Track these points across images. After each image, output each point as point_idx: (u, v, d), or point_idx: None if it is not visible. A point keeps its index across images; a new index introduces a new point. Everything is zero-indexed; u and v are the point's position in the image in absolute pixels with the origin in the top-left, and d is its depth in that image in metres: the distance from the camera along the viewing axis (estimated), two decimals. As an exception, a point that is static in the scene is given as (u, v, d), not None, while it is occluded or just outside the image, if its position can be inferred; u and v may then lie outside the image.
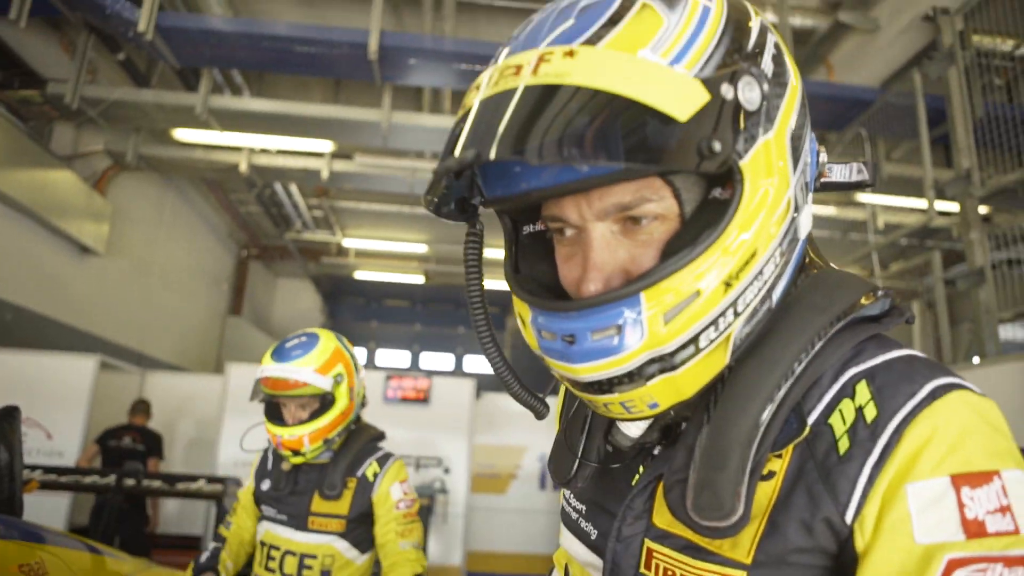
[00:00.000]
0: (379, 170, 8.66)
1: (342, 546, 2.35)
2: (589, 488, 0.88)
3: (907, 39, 6.78)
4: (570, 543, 0.91)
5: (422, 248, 12.98)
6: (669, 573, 0.73)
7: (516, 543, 6.78)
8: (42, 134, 7.39)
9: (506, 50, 0.68)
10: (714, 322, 0.65)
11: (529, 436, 7.19)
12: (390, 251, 13.63)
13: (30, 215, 7.03)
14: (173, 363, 10.32)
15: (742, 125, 0.63)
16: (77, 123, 7.70)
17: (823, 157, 0.78)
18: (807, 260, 0.80)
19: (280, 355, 2.33)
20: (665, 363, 0.66)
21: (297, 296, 16.37)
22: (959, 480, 0.60)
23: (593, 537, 0.85)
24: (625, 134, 0.57)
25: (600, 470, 0.85)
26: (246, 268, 13.69)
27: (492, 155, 0.58)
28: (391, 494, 2.39)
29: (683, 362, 0.66)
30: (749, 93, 0.63)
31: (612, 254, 0.69)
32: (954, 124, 5.88)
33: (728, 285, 0.65)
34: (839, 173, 0.80)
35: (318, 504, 2.37)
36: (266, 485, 2.46)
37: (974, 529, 0.59)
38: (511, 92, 0.61)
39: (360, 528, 2.38)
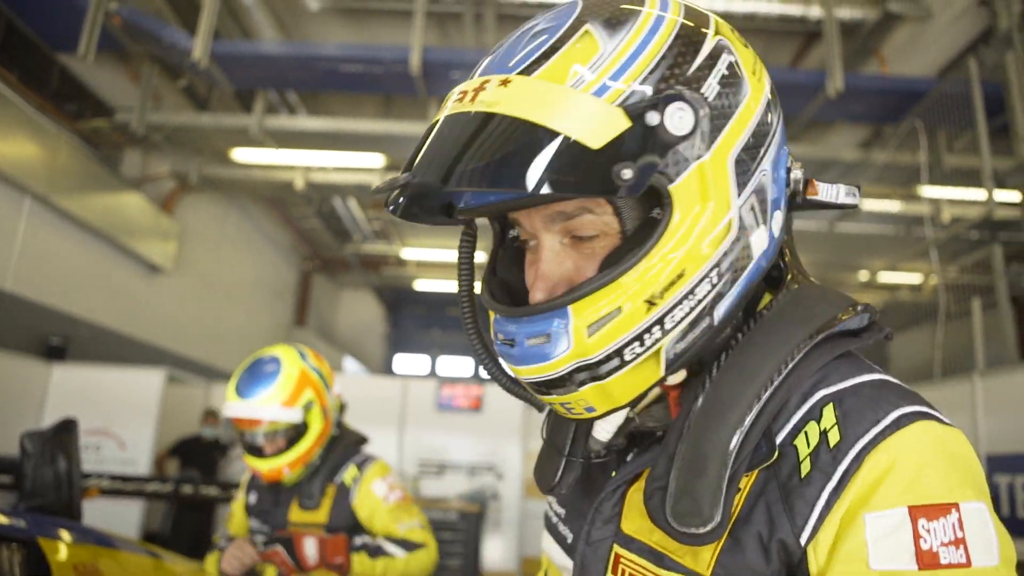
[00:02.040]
0: (431, 182, 8.78)
1: None
2: (570, 494, 0.90)
3: (961, 25, 6.53)
4: (550, 547, 0.93)
5: (480, 256, 13.06)
6: None
7: (572, 548, 6.77)
8: (112, 160, 7.81)
9: (472, 73, 0.73)
10: (639, 337, 0.67)
11: (582, 442, 7.19)
12: (449, 261, 13.78)
13: (103, 237, 7.45)
14: (240, 374, 10.70)
15: (668, 151, 0.64)
16: (144, 148, 8.11)
17: (796, 174, 0.78)
18: (789, 275, 0.80)
19: (243, 389, 2.29)
20: (592, 372, 0.69)
21: (360, 306, 16.72)
22: (916, 512, 0.61)
23: (568, 541, 0.87)
24: (542, 162, 0.60)
25: (582, 477, 0.88)
26: (310, 280, 14.08)
27: (419, 179, 0.63)
28: (374, 491, 2.34)
29: (609, 373, 0.69)
30: (678, 120, 0.64)
31: (559, 265, 0.73)
32: (1013, 111, 5.63)
33: (651, 304, 0.67)
34: (826, 192, 0.79)
35: (296, 514, 2.34)
36: (253, 498, 2.48)
37: (927, 560, 0.59)
38: (451, 117, 0.66)
39: None
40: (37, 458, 2.70)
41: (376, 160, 8.46)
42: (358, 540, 2.24)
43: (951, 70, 6.77)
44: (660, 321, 0.68)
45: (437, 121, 0.69)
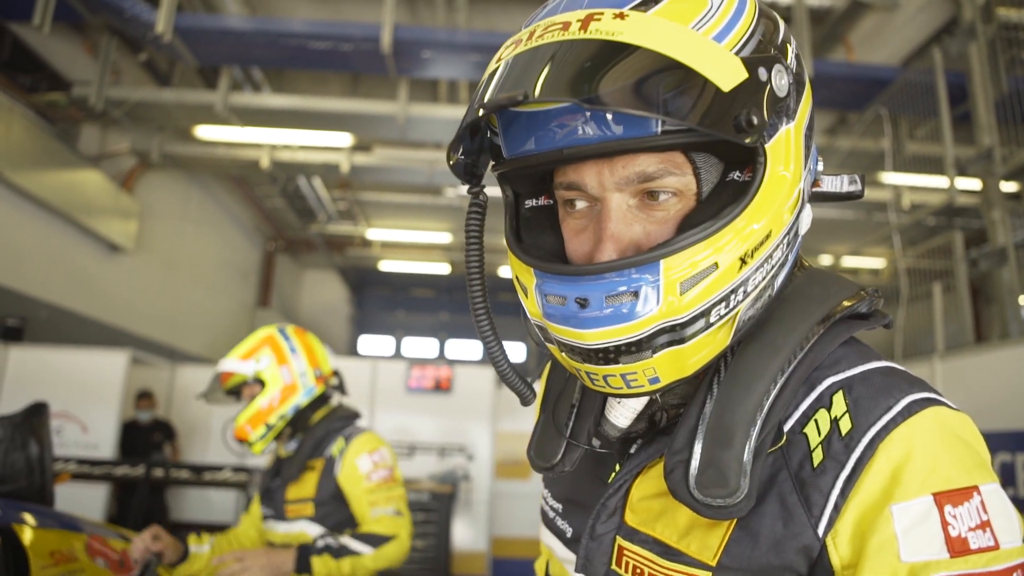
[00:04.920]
0: (398, 162, 8.73)
1: (315, 531, 2.29)
2: (566, 487, 0.89)
3: (927, 16, 6.65)
4: (549, 540, 0.93)
5: (446, 237, 13.04)
6: (638, 571, 0.74)
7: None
8: (69, 136, 7.57)
9: (549, 8, 0.69)
10: (725, 298, 0.66)
11: (551, 423, 7.25)
12: (414, 241, 13.71)
13: (61, 215, 7.22)
14: (203, 356, 10.53)
15: (771, 109, 0.65)
16: (102, 124, 7.87)
17: (820, 166, 0.79)
18: (799, 259, 0.81)
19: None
20: (675, 334, 0.65)
21: (324, 287, 16.54)
22: (941, 498, 0.61)
23: (568, 535, 0.86)
24: (671, 94, 0.58)
25: (577, 469, 0.85)
26: (273, 261, 13.88)
27: (537, 94, 0.58)
28: (358, 467, 2.31)
29: (692, 335, 0.66)
30: (780, 80, 0.65)
31: (628, 227, 0.69)
32: (975, 101, 5.76)
33: (743, 262, 0.65)
34: (830, 184, 0.80)
35: (291, 491, 2.37)
36: (264, 486, 2.53)
37: (958, 547, 0.60)
38: (558, 44, 0.61)
39: (334, 511, 2.33)
40: (7, 443, 2.63)
41: (343, 139, 8.34)
42: (320, 542, 2.17)
43: (915, 59, 6.90)
44: (744, 283, 0.67)
45: (517, 52, 0.64)
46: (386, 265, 14.64)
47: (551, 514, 0.92)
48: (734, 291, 0.66)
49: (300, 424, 2.45)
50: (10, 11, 6.25)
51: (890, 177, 7.46)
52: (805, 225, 0.75)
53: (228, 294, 12.09)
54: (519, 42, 0.65)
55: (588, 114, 0.65)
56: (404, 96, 7.16)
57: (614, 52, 0.59)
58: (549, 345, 0.75)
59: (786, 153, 0.68)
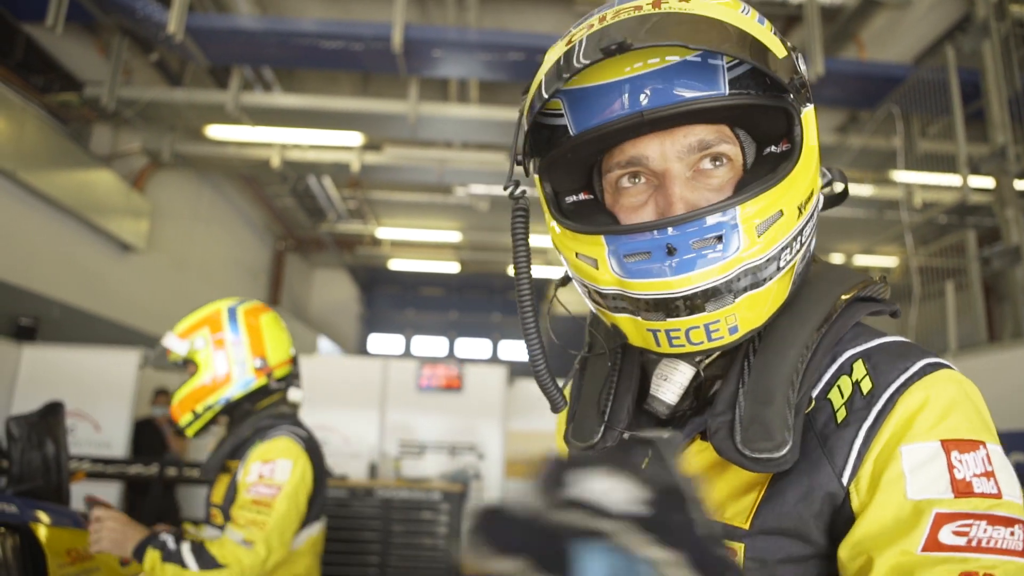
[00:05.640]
0: (409, 161, 8.74)
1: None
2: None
3: (939, 13, 6.61)
4: None
5: (456, 236, 13.04)
6: None
7: (551, 527, 6.85)
8: (81, 136, 7.60)
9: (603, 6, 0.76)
10: (789, 245, 0.73)
11: (562, 422, 7.25)
12: (424, 240, 13.71)
13: (73, 215, 7.26)
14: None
15: (801, 87, 0.74)
16: (114, 124, 7.91)
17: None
18: (814, 255, 0.88)
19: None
20: (755, 277, 0.71)
21: (334, 286, 16.58)
22: (949, 444, 0.65)
23: None
24: (749, 51, 0.68)
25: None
26: (283, 260, 13.92)
27: (643, 40, 0.66)
28: (248, 472, 2.06)
29: (767, 279, 0.72)
30: (803, 67, 0.76)
31: (692, 192, 0.76)
32: (988, 99, 5.72)
33: (800, 211, 0.73)
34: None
35: (217, 494, 2.15)
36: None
37: (962, 488, 0.63)
38: (638, 18, 0.69)
39: None
40: (24, 442, 2.65)
41: (353, 138, 8.36)
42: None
43: (928, 57, 6.85)
44: (800, 232, 0.75)
45: (595, 29, 0.70)
46: (396, 264, 14.65)
47: None
48: (795, 238, 0.73)
49: (237, 416, 2.22)
50: (23, 12, 6.30)
51: (902, 175, 7.42)
52: (817, 207, 0.83)
53: (238, 293, 12.00)
54: (591, 26, 0.72)
55: (659, 85, 0.71)
56: (414, 95, 7.17)
57: (694, 20, 0.67)
58: (616, 316, 0.78)
59: (812, 128, 0.76)
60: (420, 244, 14.04)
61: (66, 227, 7.31)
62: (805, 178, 0.74)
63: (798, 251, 0.75)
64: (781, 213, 0.71)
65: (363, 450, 6.59)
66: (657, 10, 0.68)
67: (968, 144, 6.04)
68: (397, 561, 5.72)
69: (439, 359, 8.05)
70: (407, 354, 18.66)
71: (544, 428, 7.24)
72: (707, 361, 0.83)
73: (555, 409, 0.86)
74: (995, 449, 0.66)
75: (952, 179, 6.82)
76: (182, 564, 1.90)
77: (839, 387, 0.73)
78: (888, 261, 10.89)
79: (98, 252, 7.88)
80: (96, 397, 6.44)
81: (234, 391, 2.20)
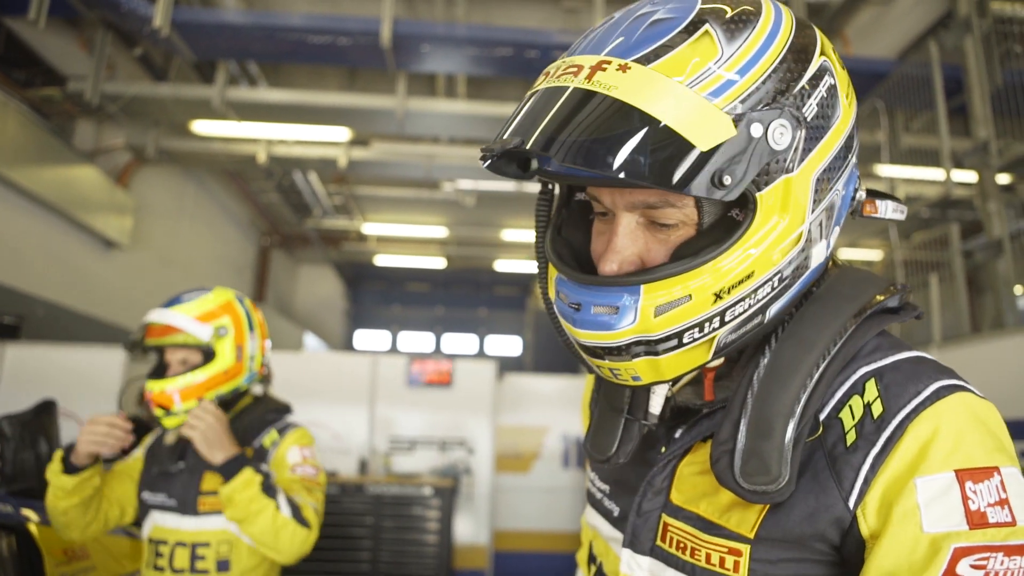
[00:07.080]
0: (396, 156, 8.71)
1: (237, 529, 1.98)
2: (614, 470, 0.94)
3: (923, 9, 6.68)
4: (595, 520, 0.98)
5: (442, 232, 13.02)
6: (682, 545, 0.80)
7: (541, 521, 6.87)
8: (64, 131, 7.51)
9: (581, 45, 0.74)
10: (699, 324, 0.72)
11: (551, 416, 7.26)
12: (410, 236, 13.68)
13: (56, 211, 7.18)
14: (200, 352, 10.49)
15: (764, 163, 0.67)
16: (98, 119, 7.81)
17: (861, 194, 0.82)
18: (831, 263, 0.86)
19: (168, 303, 2.11)
20: (649, 347, 0.73)
21: (319, 282, 16.49)
22: (963, 475, 0.65)
23: (616, 514, 0.92)
24: (649, 152, 0.63)
25: (635, 450, 0.90)
26: (268, 256, 13.83)
27: (529, 146, 0.66)
28: (287, 457, 2.07)
29: (665, 351, 0.73)
30: (779, 135, 0.67)
31: (632, 242, 0.76)
32: (971, 94, 5.80)
33: (719, 297, 0.71)
34: (883, 210, 0.84)
35: (210, 481, 2.02)
36: (156, 469, 2.13)
37: (977, 520, 0.64)
38: (563, 90, 0.68)
39: None
40: (17, 442, 2.64)
41: (340, 133, 8.32)
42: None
43: (911, 52, 6.92)
44: (722, 314, 0.72)
45: (538, 88, 0.71)
46: (382, 260, 14.61)
47: (598, 495, 0.97)
48: (708, 320, 0.72)
49: (226, 407, 2.17)
50: (5, 6, 6.20)
51: (886, 170, 7.49)
52: (817, 258, 0.78)
53: (224, 289, 12.03)
54: (547, 75, 0.72)
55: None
56: (402, 90, 7.15)
57: (602, 106, 0.65)
58: None
59: (783, 201, 0.71)
60: (406, 240, 14.01)
61: (49, 224, 7.23)
62: (742, 262, 0.70)
63: (719, 328, 0.73)
64: (690, 297, 0.70)
65: (353, 446, 6.58)
66: (584, 84, 0.66)
67: (951, 138, 6.13)
68: (388, 557, 5.73)
69: (428, 355, 8.05)
70: (394, 350, 18.64)
71: (534, 423, 7.28)
72: (678, 385, 0.87)
73: (592, 371, 0.85)
74: (1010, 472, 0.66)
75: (935, 173, 6.92)
76: (278, 505, 1.89)
77: (850, 407, 0.73)
78: (872, 254, 11.01)
79: (82, 249, 7.79)
80: (81, 396, 6.38)
81: (242, 382, 2.17)
